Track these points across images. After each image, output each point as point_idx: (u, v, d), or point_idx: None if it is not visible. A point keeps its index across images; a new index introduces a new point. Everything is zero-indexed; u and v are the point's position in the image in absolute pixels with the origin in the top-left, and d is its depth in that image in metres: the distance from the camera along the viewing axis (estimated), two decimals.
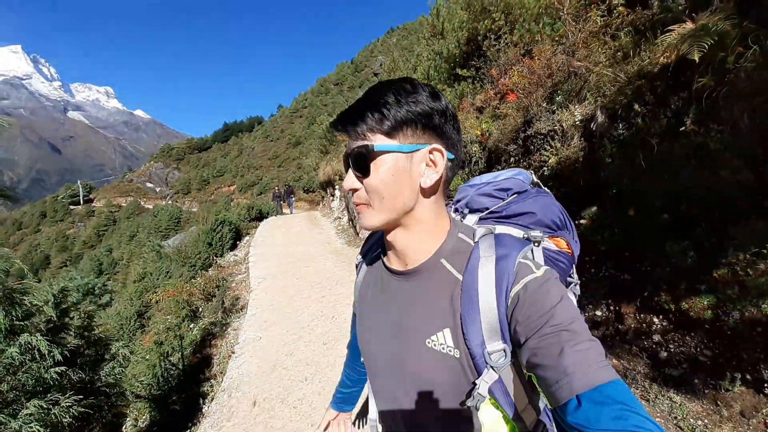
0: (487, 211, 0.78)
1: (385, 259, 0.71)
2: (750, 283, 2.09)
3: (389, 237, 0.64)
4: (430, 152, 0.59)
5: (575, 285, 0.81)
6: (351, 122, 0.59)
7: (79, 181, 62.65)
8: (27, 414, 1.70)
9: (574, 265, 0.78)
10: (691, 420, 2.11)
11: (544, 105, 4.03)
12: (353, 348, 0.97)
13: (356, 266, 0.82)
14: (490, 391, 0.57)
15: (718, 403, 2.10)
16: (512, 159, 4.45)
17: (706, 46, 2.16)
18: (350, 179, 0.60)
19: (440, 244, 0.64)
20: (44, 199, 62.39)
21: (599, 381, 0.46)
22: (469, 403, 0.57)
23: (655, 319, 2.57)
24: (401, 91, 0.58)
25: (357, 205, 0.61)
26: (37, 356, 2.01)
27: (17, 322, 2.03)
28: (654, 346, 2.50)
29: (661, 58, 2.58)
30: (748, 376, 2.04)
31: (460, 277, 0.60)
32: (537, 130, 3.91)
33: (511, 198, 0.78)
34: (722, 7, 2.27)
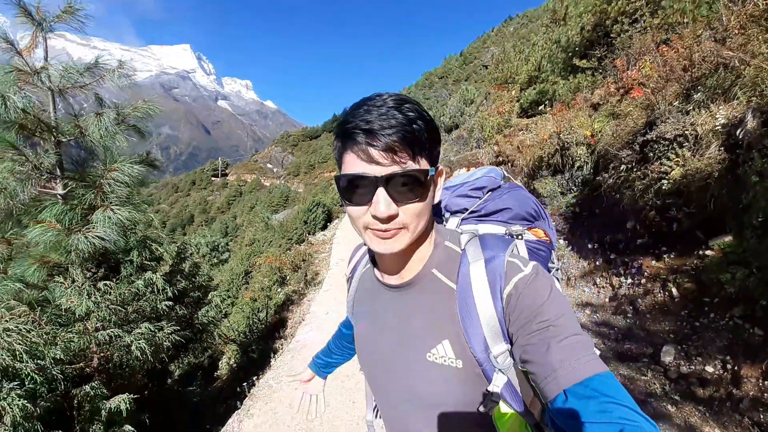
0: (467, 212, 0.78)
1: (377, 273, 0.70)
2: None
3: (394, 254, 0.59)
4: (439, 172, 0.60)
5: (556, 270, 0.82)
6: (404, 140, 0.52)
7: (219, 158, 76.70)
8: (139, 333, 2.25)
9: (553, 251, 0.79)
10: None
11: (676, 104, 3.30)
12: (345, 325, 1.00)
13: (347, 280, 0.82)
14: (500, 393, 0.57)
15: None
16: (623, 167, 3.77)
17: None
18: (389, 205, 0.53)
19: (429, 254, 0.64)
20: (195, 170, 78.19)
21: (585, 375, 0.46)
22: (482, 409, 0.57)
23: None
24: (419, 105, 0.55)
25: (386, 231, 0.55)
26: (155, 290, 2.61)
27: (146, 262, 2.68)
28: None
29: None
30: None
31: (453, 286, 0.60)
32: (660, 133, 3.23)
33: (486, 196, 0.78)
34: None
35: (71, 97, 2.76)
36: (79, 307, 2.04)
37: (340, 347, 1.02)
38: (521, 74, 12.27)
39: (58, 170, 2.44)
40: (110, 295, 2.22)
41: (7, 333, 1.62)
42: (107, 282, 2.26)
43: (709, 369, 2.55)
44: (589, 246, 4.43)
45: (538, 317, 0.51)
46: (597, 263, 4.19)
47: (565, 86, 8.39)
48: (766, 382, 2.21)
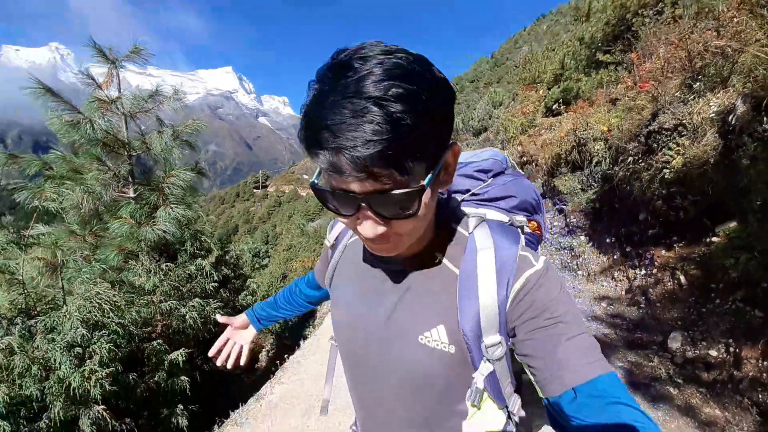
0: (469, 193, 0.72)
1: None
2: None
3: None
4: (452, 154, 0.49)
5: None
6: (385, 157, 0.37)
7: (260, 171, 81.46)
8: (191, 305, 2.79)
9: (539, 245, 0.78)
10: None
11: (677, 94, 3.36)
12: (309, 284, 0.95)
13: (331, 246, 0.75)
14: (484, 383, 0.56)
15: None
16: (630, 159, 3.83)
17: None
18: (375, 227, 0.45)
19: (433, 235, 0.60)
20: (239, 183, 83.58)
21: (593, 375, 0.46)
22: (468, 399, 0.57)
23: None
24: (419, 77, 0.39)
25: (377, 243, 0.49)
26: (205, 274, 3.17)
27: (197, 251, 3.27)
28: None
29: None
30: None
31: (456, 271, 0.57)
32: (661, 123, 3.31)
33: (490, 180, 0.73)
34: None
35: (136, 119, 3.44)
36: (147, 282, 2.61)
37: (291, 303, 0.98)
38: (547, 73, 12.14)
39: (130, 177, 3.09)
40: (170, 276, 2.79)
41: (98, 296, 2.19)
42: (168, 264, 2.84)
43: (713, 353, 2.58)
44: (608, 241, 4.45)
45: (546, 313, 0.50)
46: (615, 257, 4.21)
47: (588, 83, 8.29)
48: (765, 363, 2.24)
